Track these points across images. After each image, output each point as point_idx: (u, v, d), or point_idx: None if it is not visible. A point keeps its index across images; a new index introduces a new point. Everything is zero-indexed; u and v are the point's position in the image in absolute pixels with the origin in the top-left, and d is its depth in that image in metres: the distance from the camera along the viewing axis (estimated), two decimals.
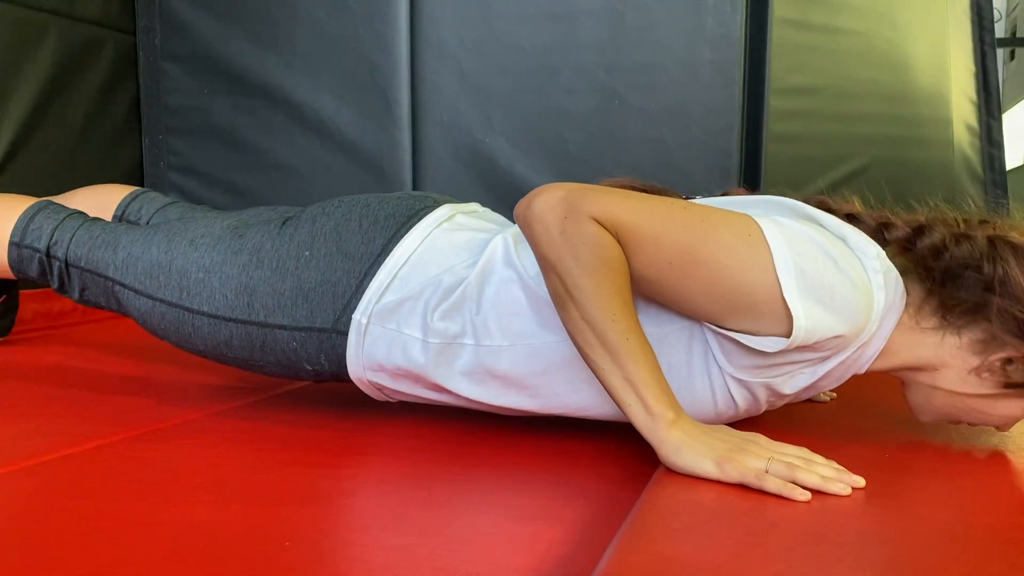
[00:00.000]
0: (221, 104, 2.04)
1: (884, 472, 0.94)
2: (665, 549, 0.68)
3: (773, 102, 1.74)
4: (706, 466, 0.85)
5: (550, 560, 0.74)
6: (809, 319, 0.88)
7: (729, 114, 1.69)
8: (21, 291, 1.73)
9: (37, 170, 1.81)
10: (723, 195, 1.07)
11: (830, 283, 0.88)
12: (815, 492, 0.82)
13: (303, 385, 1.45)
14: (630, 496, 0.87)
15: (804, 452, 0.88)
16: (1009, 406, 0.99)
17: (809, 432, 1.07)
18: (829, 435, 1.05)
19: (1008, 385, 0.96)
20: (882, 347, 0.98)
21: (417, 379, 1.08)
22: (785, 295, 0.87)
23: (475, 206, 1.22)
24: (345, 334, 1.08)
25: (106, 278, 1.18)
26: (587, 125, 1.68)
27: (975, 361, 0.96)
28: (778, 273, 0.88)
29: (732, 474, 0.84)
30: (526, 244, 1.05)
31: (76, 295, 1.21)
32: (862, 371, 1.01)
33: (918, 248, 0.97)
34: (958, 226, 0.97)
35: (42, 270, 1.20)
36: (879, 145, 1.86)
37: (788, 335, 0.89)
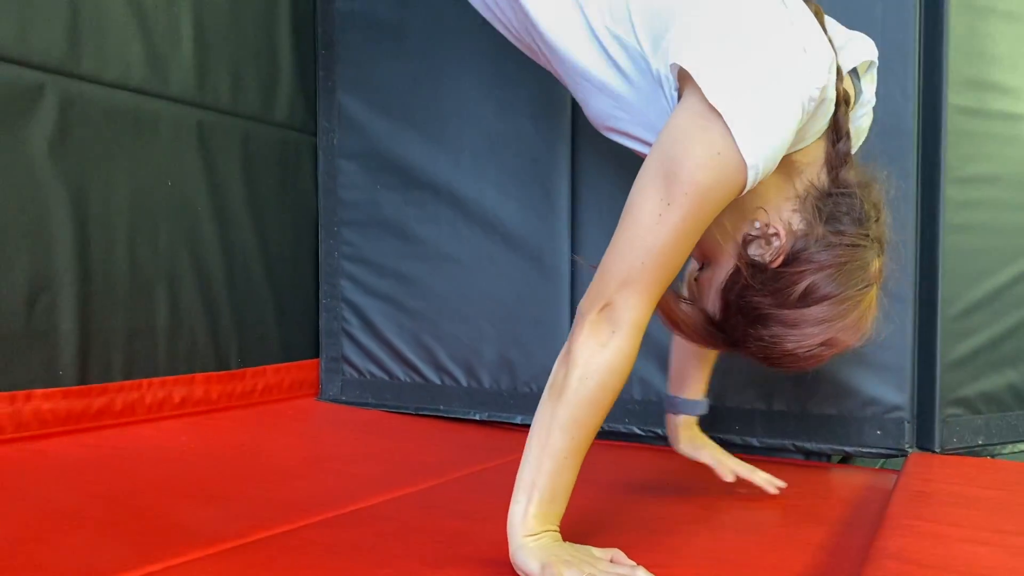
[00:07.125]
0: (392, 198, 2.15)
1: None
2: None
3: (950, 192, 1.67)
4: (532, 566, 0.89)
5: None
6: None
7: (904, 206, 1.63)
8: (196, 373, 1.85)
9: (230, 257, 1.97)
10: None
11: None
12: None
13: (468, 472, 1.47)
14: None
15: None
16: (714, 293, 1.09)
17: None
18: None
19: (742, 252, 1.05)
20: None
21: None
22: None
23: None
24: None
25: None
26: None
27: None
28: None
29: None
30: None
31: None
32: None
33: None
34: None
35: None
36: None
37: None
